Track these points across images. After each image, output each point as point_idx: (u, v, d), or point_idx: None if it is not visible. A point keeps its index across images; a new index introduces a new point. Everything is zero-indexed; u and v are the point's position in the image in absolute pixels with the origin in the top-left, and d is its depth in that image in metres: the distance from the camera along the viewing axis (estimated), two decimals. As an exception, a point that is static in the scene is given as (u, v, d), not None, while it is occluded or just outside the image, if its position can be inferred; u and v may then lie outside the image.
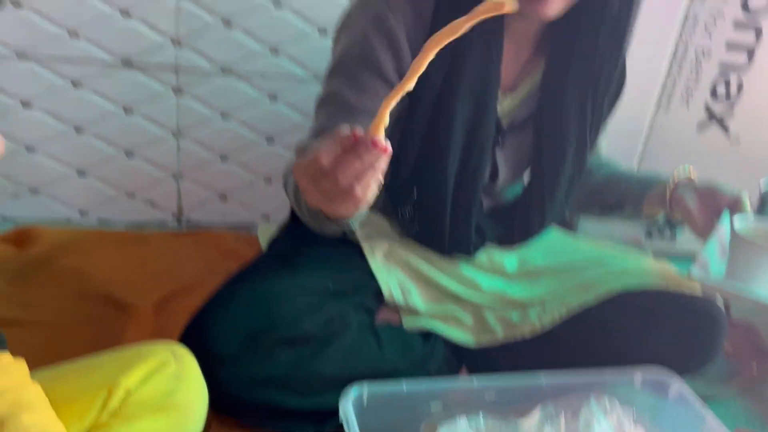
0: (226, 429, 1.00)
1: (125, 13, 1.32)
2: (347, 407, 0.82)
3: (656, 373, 0.95)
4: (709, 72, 1.50)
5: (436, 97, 0.96)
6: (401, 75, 0.94)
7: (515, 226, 1.11)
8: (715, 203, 1.04)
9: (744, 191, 1.02)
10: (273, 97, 1.45)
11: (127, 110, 1.40)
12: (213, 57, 1.39)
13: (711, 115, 1.55)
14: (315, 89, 1.43)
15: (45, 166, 1.42)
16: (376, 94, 0.94)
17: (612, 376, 0.94)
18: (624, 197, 1.14)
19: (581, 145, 1.06)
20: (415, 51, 0.90)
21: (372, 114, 0.94)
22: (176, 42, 1.36)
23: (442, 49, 0.63)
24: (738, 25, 1.46)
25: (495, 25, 0.95)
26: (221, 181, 1.52)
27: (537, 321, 1.07)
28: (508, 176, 1.09)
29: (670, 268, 1.12)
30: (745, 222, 0.95)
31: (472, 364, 1.12)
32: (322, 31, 1.41)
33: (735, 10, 1.45)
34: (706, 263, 0.93)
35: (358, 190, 0.65)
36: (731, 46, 1.48)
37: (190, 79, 1.40)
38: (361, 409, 0.85)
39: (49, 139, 1.40)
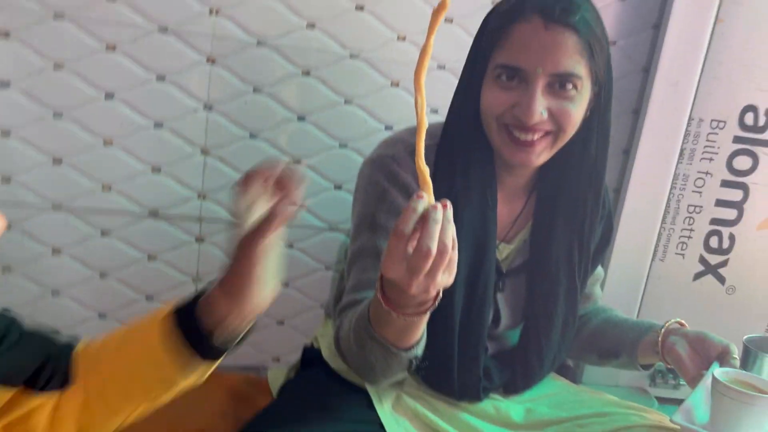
0: None
1: (156, 169, 1.43)
2: None
3: None
4: (702, 226, 1.59)
5: None
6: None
7: (517, 371, 1.15)
8: (705, 352, 1.08)
9: (732, 343, 1.07)
10: (288, 245, 1.53)
11: (150, 257, 1.48)
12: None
13: (706, 265, 1.62)
14: (328, 236, 1.54)
15: (68, 308, 1.48)
16: None
17: None
18: (619, 343, 1.20)
19: (572, 289, 1.13)
20: None
21: None
22: (201, 195, 1.46)
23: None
24: (725, 183, 1.56)
25: (489, 176, 1.06)
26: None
27: (543, 473, 1.09)
28: (509, 320, 1.14)
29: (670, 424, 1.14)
30: (727, 373, 0.99)
31: None
32: (338, 186, 1.51)
33: (721, 171, 1.56)
34: (690, 410, 0.97)
35: (449, 245, 0.74)
36: (721, 203, 1.58)
37: (213, 228, 1.48)
38: None
39: (75, 284, 1.47)
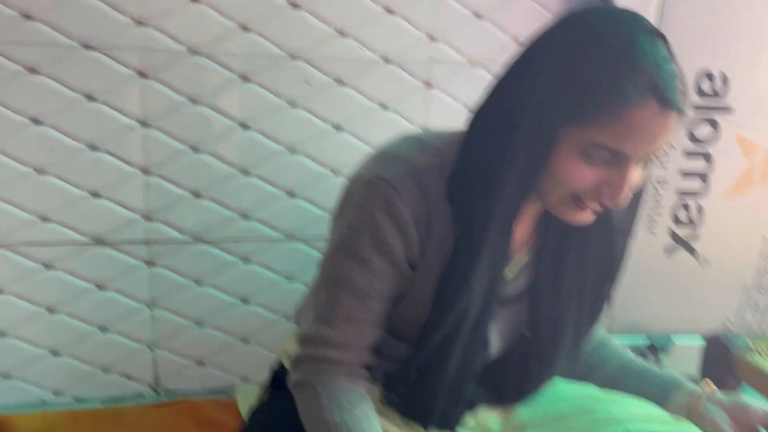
0: None
1: (95, 194, 1.35)
2: None
3: None
4: (669, 199, 1.55)
5: (449, 272, 0.94)
6: (409, 260, 0.95)
7: (505, 392, 1.09)
8: (746, 420, 1.05)
9: None
10: (246, 260, 1.47)
11: (100, 287, 1.41)
12: (184, 227, 1.41)
13: (677, 239, 1.59)
14: (287, 247, 1.47)
15: (18, 349, 1.40)
16: (387, 278, 0.94)
17: None
18: (643, 396, 1.12)
19: (581, 317, 1.06)
20: (421, 232, 0.92)
21: (381, 297, 0.96)
22: (146, 217, 1.39)
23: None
24: (688, 153, 1.53)
25: (512, 216, 0.92)
26: (198, 347, 1.50)
27: (525, 477, 1.04)
28: (497, 350, 1.08)
29: (658, 411, 1.10)
30: None
31: None
32: (290, 193, 1.45)
33: (683, 140, 1.52)
34: None
35: None
36: (685, 174, 1.54)
37: (162, 250, 1.41)
38: None
39: (22, 322, 1.39)
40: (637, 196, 1.02)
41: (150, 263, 1.42)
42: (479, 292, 0.96)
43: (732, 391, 1.38)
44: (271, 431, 1.05)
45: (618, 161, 0.86)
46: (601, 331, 1.22)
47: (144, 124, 1.35)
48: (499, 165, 0.89)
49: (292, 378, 0.99)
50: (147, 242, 1.40)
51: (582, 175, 0.87)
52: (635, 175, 0.88)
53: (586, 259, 1.04)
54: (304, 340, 0.98)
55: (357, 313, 0.95)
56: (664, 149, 0.89)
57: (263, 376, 1.20)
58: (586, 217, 0.92)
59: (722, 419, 1.05)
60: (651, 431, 1.06)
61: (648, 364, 1.17)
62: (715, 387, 1.13)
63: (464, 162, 0.93)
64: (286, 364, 1.12)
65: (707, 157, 1.53)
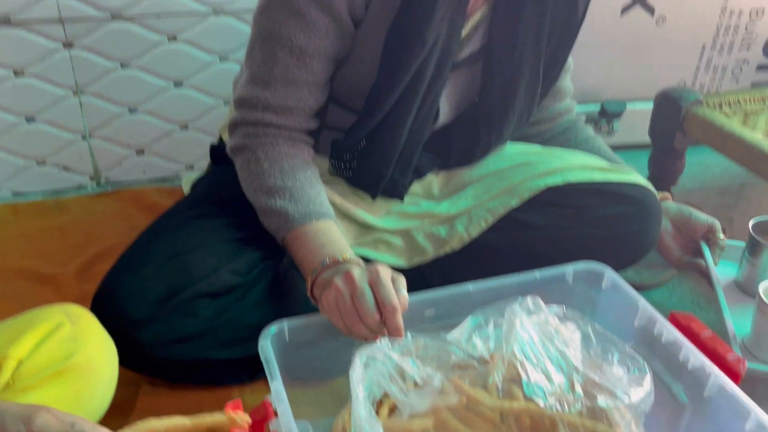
0: (155, 389, 0.97)
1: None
2: (266, 346, 0.78)
3: (588, 266, 0.92)
4: (626, -48, 1.44)
5: (399, 26, 0.87)
6: (351, 13, 0.87)
7: (452, 158, 1.07)
8: (689, 232, 1.08)
9: (716, 220, 1.07)
10: (172, 38, 1.36)
11: (17, 73, 1.31)
12: (98, 2, 1.29)
13: (633, -4, 1.49)
14: (216, 23, 1.37)
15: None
16: (326, 34, 0.87)
17: (543, 274, 0.90)
18: None
19: (533, 82, 1.01)
20: None
21: (322, 56, 0.88)
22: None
23: None
24: None
25: None
26: (134, 135, 1.44)
27: (464, 232, 1.03)
28: (447, 117, 1.03)
29: (598, 161, 1.08)
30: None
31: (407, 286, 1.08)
32: None
33: None
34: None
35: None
36: None
37: (79, 30, 1.30)
38: (282, 347, 0.81)
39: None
40: None
41: (68, 45, 1.31)
42: (434, 51, 0.89)
43: (677, 177, 1.38)
44: (210, 197, 1.02)
45: None
46: (574, 116, 1.17)
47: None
48: None
49: (230, 143, 0.94)
50: (61, 21, 1.28)
51: None
52: None
53: (545, 15, 0.96)
54: (240, 102, 0.92)
55: (296, 74, 0.88)
56: None
57: (208, 162, 1.15)
58: None
59: (666, 231, 1.08)
60: (590, 180, 1.04)
61: (614, 159, 1.13)
62: (668, 195, 1.11)
63: None
64: (225, 138, 1.07)
65: None
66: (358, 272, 0.76)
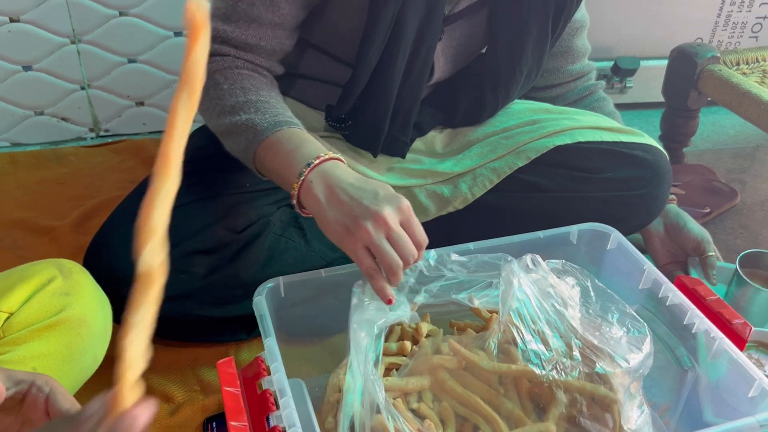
0: (151, 345, 0.95)
1: None
2: (260, 302, 0.76)
3: (593, 227, 0.89)
4: None
5: None
6: None
7: (457, 116, 1.03)
8: (679, 241, 1.06)
9: (708, 235, 1.05)
10: (124, 14, 1.32)
11: (13, 19, 1.28)
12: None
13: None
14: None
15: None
16: None
17: (547, 234, 0.88)
18: None
19: (542, 40, 0.95)
20: None
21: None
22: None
23: None
24: None
25: None
26: (134, 86, 1.41)
27: (468, 192, 1.00)
28: (444, 72, 0.98)
29: (608, 121, 1.04)
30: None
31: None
32: None
33: None
34: None
35: None
36: None
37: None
38: (278, 304, 0.79)
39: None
40: None
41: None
42: (415, 12, 0.85)
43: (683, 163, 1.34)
44: (206, 150, 0.96)
45: None
46: (592, 83, 1.13)
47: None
48: None
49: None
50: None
51: None
52: None
53: None
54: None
55: (261, 13, 0.83)
56: None
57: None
58: None
59: (657, 232, 1.07)
60: (601, 140, 1.01)
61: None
62: (674, 197, 1.08)
63: None
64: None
65: None
66: (389, 212, 0.69)
